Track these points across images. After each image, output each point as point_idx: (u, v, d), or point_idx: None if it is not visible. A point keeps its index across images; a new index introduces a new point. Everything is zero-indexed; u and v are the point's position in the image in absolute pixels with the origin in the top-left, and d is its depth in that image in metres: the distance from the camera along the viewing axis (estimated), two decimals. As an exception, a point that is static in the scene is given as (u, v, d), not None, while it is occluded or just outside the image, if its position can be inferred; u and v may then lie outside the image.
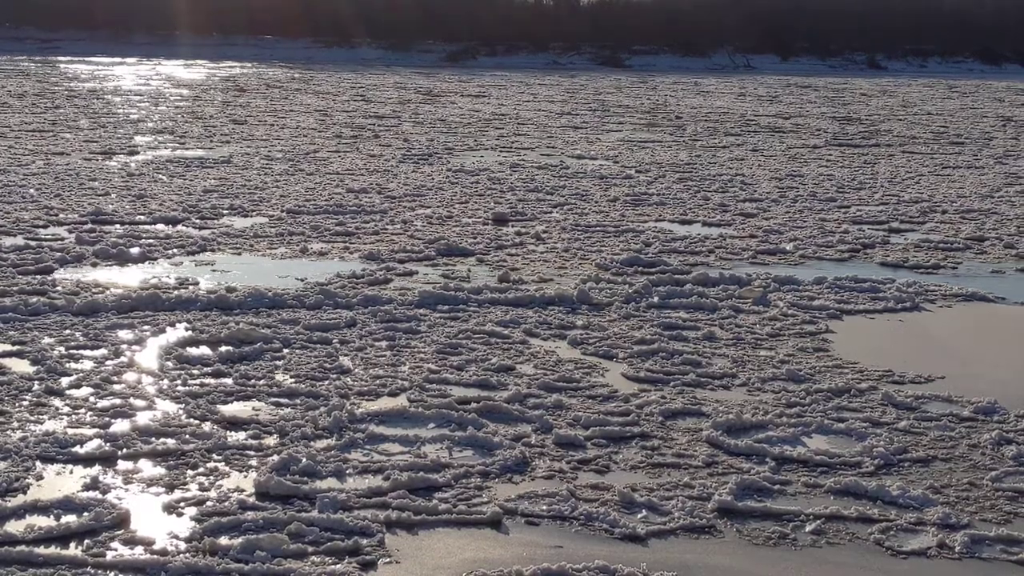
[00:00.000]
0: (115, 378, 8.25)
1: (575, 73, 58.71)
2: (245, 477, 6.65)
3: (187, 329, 9.58)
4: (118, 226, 14.01)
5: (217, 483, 6.56)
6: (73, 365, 8.51)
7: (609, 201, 17.05)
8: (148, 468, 6.73)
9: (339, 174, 18.89)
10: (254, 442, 7.16)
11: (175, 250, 12.77)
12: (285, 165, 19.78)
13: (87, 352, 8.86)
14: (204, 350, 9.08)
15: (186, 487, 6.49)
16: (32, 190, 16.23)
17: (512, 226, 14.90)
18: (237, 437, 7.24)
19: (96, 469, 6.66)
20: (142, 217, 14.59)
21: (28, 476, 6.50)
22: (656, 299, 11.13)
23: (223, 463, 6.83)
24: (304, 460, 6.79)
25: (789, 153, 23.97)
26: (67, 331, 9.38)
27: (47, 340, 9.11)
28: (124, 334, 9.37)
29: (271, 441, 7.19)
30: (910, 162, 22.93)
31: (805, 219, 15.98)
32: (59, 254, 12.17)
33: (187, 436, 7.16)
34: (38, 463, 6.70)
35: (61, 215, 14.52)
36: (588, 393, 8.36)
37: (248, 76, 45.75)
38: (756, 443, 7.40)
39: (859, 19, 75.66)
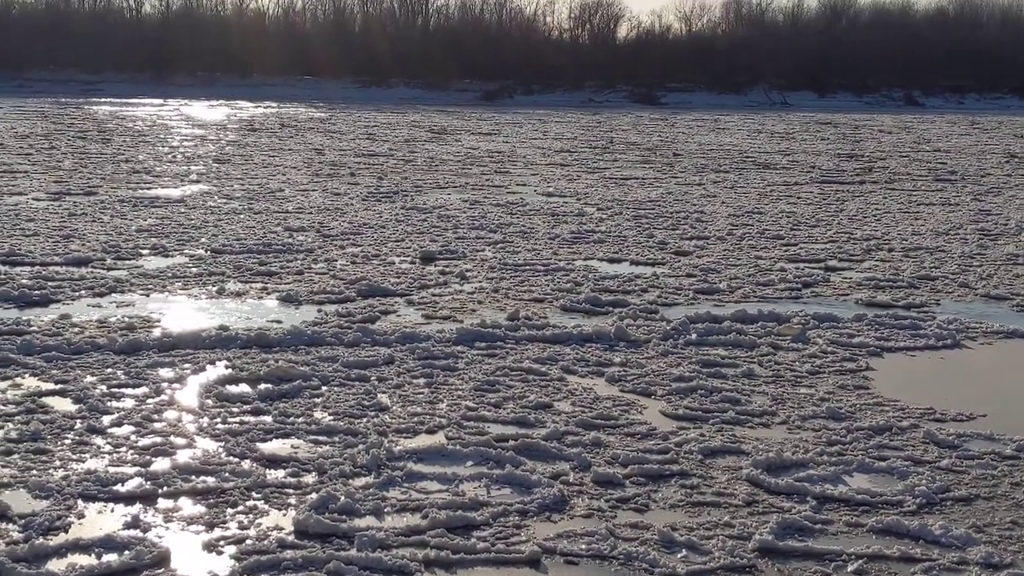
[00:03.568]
0: (156, 416, 8.30)
1: (605, 111, 58.88)
2: (284, 515, 6.66)
3: (227, 367, 9.63)
4: (28, 267, 13.80)
5: (256, 521, 6.57)
6: (115, 403, 8.57)
7: (549, 239, 17.04)
8: (188, 506, 6.75)
9: (288, 213, 18.97)
10: (293, 480, 7.17)
11: (83, 291, 12.51)
12: (238, 204, 19.89)
13: (128, 390, 8.91)
14: (243, 388, 9.13)
15: (226, 525, 6.50)
16: None
17: (437, 264, 14.84)
18: (276, 475, 7.25)
19: (137, 507, 6.69)
20: (56, 258, 14.37)
21: (70, 515, 6.54)
22: (694, 336, 11.11)
23: (262, 501, 6.85)
24: (343, 498, 6.79)
25: (765, 190, 24.17)
26: (109, 369, 9.45)
27: (89, 379, 9.17)
28: (165, 372, 9.43)
29: (310, 479, 7.21)
30: (886, 199, 23.06)
31: (739, 257, 15.87)
32: None
33: (227, 474, 7.19)
34: (80, 501, 6.74)
35: None
36: (627, 431, 8.34)
37: (269, 116, 46.20)
38: (797, 482, 7.36)
39: (897, 56, 75.40)
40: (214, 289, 12.84)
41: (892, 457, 7.86)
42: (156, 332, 10.61)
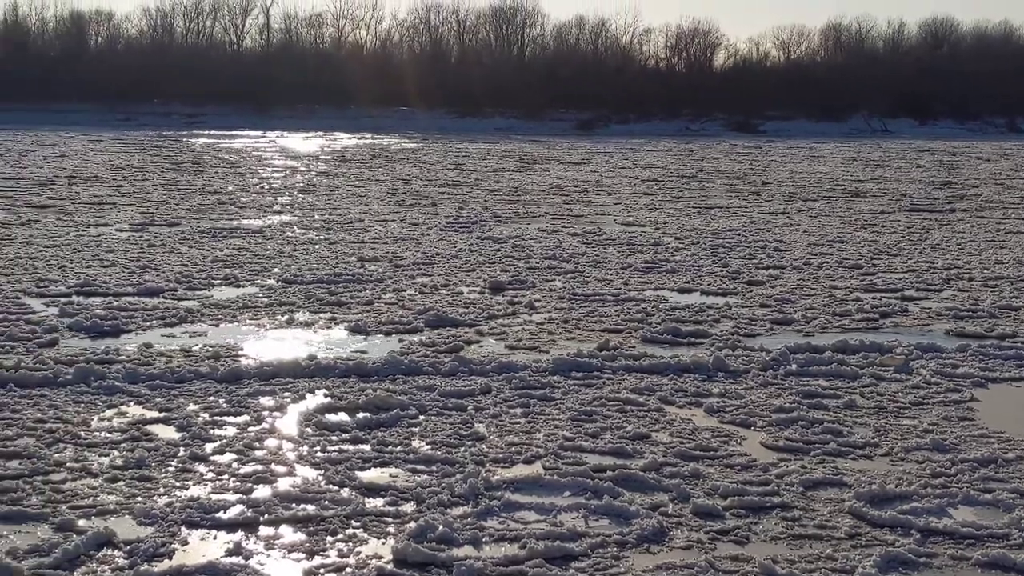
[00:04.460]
0: (257, 444, 8.39)
1: (700, 139, 58.78)
2: (383, 544, 6.69)
3: (326, 396, 9.72)
4: (102, 298, 13.93)
5: (356, 550, 6.61)
6: (217, 431, 8.68)
7: (622, 268, 16.93)
8: (289, 534, 6.81)
9: (363, 243, 19.03)
10: (391, 509, 7.20)
11: (154, 322, 12.59)
12: (315, 234, 20.02)
13: (230, 418, 9.02)
14: (342, 416, 9.20)
15: (326, 553, 6.55)
16: (40, 262, 16.39)
17: (505, 294, 14.77)
18: (375, 503, 7.29)
19: (239, 535, 6.76)
20: (130, 288, 14.50)
21: (174, 541, 6.63)
22: (794, 366, 10.99)
23: (361, 530, 6.88)
24: (441, 527, 6.81)
25: (850, 219, 23.91)
26: (211, 398, 9.58)
27: (192, 407, 9.30)
28: (266, 401, 9.53)
29: (408, 508, 7.23)
30: (973, 227, 22.66)
31: (814, 287, 15.63)
32: (32, 327, 12.13)
33: (326, 502, 7.24)
34: (183, 528, 6.83)
35: (51, 287, 14.51)
36: (726, 462, 8.27)
37: (362, 147, 46.74)
38: (900, 514, 7.23)
39: (1000, 81, 74.22)
40: (283, 319, 12.91)
41: (998, 489, 7.71)
42: (255, 361, 10.72)
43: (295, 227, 21.02)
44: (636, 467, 8.02)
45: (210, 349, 11.25)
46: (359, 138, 54.70)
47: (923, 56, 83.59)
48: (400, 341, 11.89)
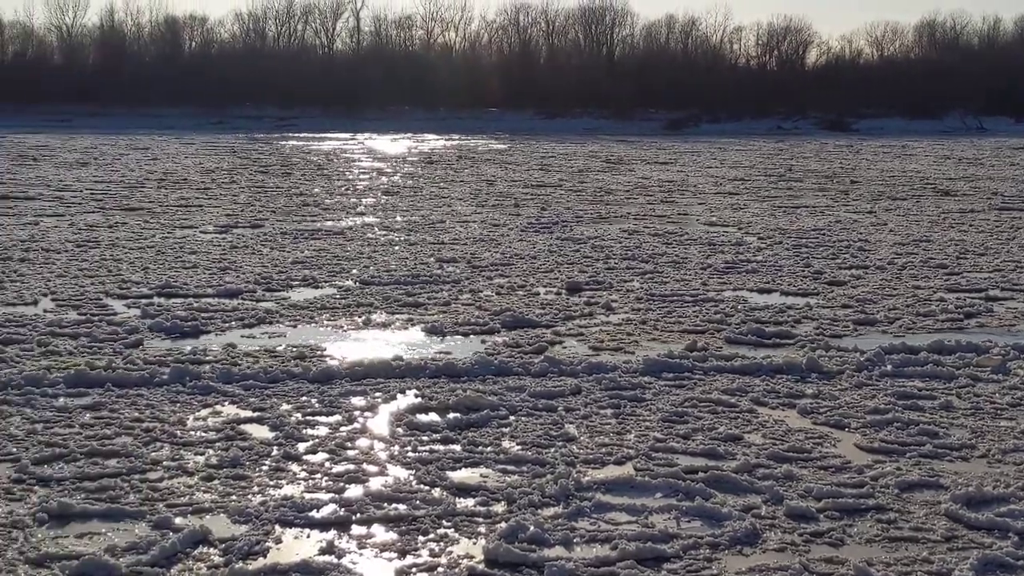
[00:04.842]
0: (349, 444, 8.45)
1: (791, 138, 58.30)
2: (474, 544, 6.71)
3: (416, 396, 9.76)
4: (182, 299, 14.05)
5: (447, 549, 6.63)
6: (309, 431, 8.76)
7: (701, 269, 16.77)
8: (381, 533, 6.85)
9: (442, 244, 19.03)
10: (482, 509, 7.22)
11: (233, 323, 12.69)
12: (396, 236, 20.07)
13: (322, 418, 9.10)
14: (433, 416, 9.24)
15: (417, 553, 6.58)
16: (124, 264, 16.59)
17: (582, 295, 14.68)
18: (466, 503, 7.31)
19: (332, 534, 6.82)
20: (210, 290, 14.61)
21: (268, 540, 6.69)
22: (889, 367, 10.85)
23: (452, 529, 6.91)
24: (532, 528, 6.81)
25: (938, 218, 23.52)
26: (304, 398, 9.67)
27: (285, 407, 9.40)
28: (357, 400, 9.60)
29: (499, 508, 7.24)
30: None
31: (896, 287, 15.36)
32: (114, 328, 12.25)
33: (418, 502, 7.27)
34: (277, 527, 6.90)
35: (133, 288, 14.67)
36: (820, 463, 8.18)
37: (449, 149, 46.93)
38: (998, 516, 7.10)
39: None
40: (360, 320, 12.94)
41: (1100, 493, 7.54)
42: (344, 362, 10.79)
43: (376, 228, 21.13)
44: (728, 469, 7.96)
45: (294, 349, 11.35)
46: (447, 139, 54.99)
47: (1020, 52, 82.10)
48: (483, 342, 11.92)
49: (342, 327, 12.62)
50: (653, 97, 75.09)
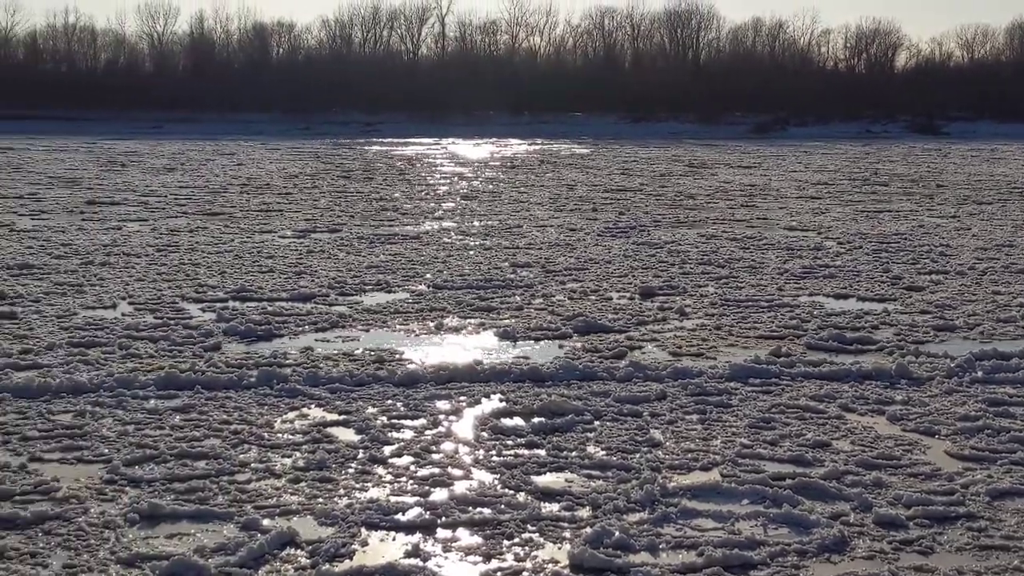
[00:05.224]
0: (434, 447, 8.48)
1: (879, 142, 57.66)
2: (559, 548, 6.69)
3: (501, 400, 9.77)
4: (256, 303, 14.16)
5: (532, 554, 6.62)
6: (395, 434, 8.80)
7: (778, 274, 16.57)
8: (466, 537, 6.86)
9: (518, 248, 18.99)
10: (567, 514, 7.20)
11: (306, 327, 12.75)
12: (472, 240, 20.06)
13: (408, 422, 9.14)
14: (518, 421, 9.24)
15: (502, 557, 6.58)
16: (202, 268, 16.72)
17: (655, 300, 14.54)
18: (551, 508, 7.30)
19: (417, 537, 6.84)
20: (284, 294, 14.69)
21: (354, 542, 6.73)
22: (980, 374, 10.68)
23: (537, 534, 6.90)
24: (617, 533, 6.78)
25: (1022, 223, 23.06)
26: (389, 401, 9.71)
27: (371, 410, 9.45)
28: (442, 404, 9.63)
29: (584, 513, 7.22)
30: None
31: (976, 293, 15.06)
32: (189, 331, 12.37)
33: (503, 506, 7.27)
34: (363, 530, 6.93)
35: (209, 292, 14.77)
36: (909, 471, 8.07)
37: (532, 153, 46.96)
38: (1094, 528, 6.97)
39: None
40: (432, 324, 12.95)
41: None
42: (429, 366, 10.83)
43: (452, 233, 21.19)
44: (816, 475, 7.88)
45: (372, 353, 11.41)
46: (530, 144, 55.07)
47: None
48: (560, 347, 11.90)
49: (414, 331, 12.66)
50: (739, 101, 74.63)
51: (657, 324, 13.10)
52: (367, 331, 12.65)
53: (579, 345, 11.90)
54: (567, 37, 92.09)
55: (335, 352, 11.50)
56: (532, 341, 12.16)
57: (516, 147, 52.16)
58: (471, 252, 18.62)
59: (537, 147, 52.06)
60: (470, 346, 11.92)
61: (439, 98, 75.10)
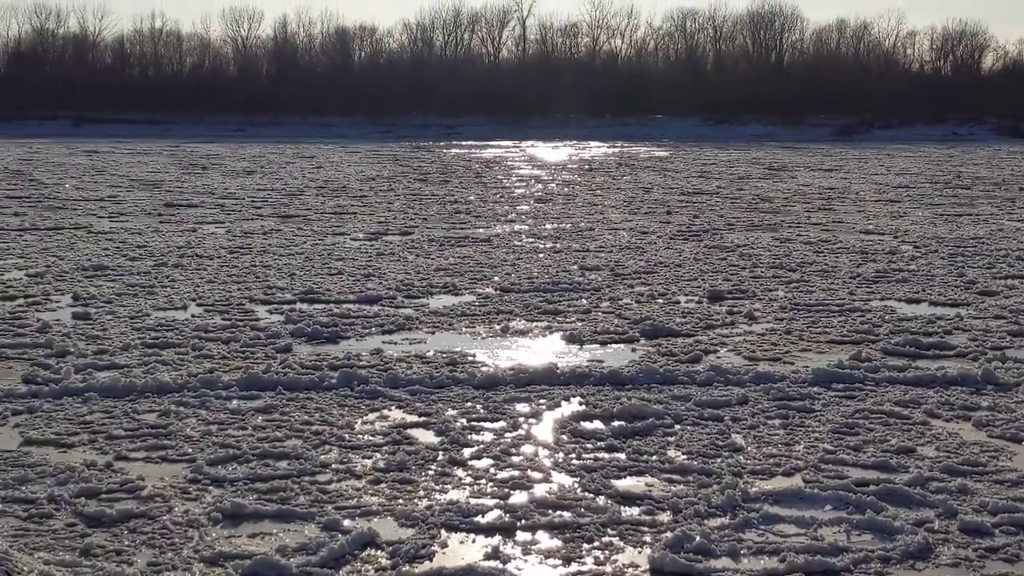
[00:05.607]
0: (513, 450, 8.48)
1: (965, 144, 56.87)
2: (639, 553, 6.66)
3: (581, 403, 9.75)
4: (323, 305, 14.22)
5: (612, 558, 6.60)
6: (474, 436, 8.81)
7: (850, 278, 16.35)
8: (545, 540, 6.85)
9: (588, 251, 18.89)
10: (648, 518, 7.17)
11: (373, 329, 12.78)
12: (542, 243, 19.98)
13: (487, 424, 9.15)
14: (597, 424, 9.22)
15: (582, 560, 6.56)
16: (272, 270, 16.82)
17: (724, 304, 14.39)
18: (631, 512, 7.27)
19: (497, 539, 6.85)
20: (351, 296, 14.71)
21: (433, 544, 6.75)
22: (1070, 380, 10.48)
23: (617, 538, 6.87)
24: (698, 538, 6.74)
25: None
26: (469, 403, 9.73)
27: (450, 412, 9.48)
28: (521, 407, 9.63)
29: (664, 517, 7.19)
30: None
31: None
32: (256, 333, 12.44)
33: (582, 509, 7.26)
34: (443, 531, 6.95)
35: (278, 294, 14.86)
36: (995, 478, 7.94)
37: (610, 156, 46.86)
38: None
39: None
40: (498, 327, 12.94)
41: None
42: (506, 368, 10.83)
43: (523, 236, 21.18)
44: (900, 481, 7.77)
45: (445, 356, 11.42)
46: (610, 147, 54.97)
47: None
48: (633, 350, 11.85)
49: (480, 334, 12.66)
50: (823, 103, 73.99)
51: (725, 328, 13.02)
52: (433, 334, 12.69)
53: (653, 349, 11.85)
54: (648, 39, 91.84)
55: (406, 354, 11.54)
56: (599, 345, 12.12)
57: (595, 150, 52.11)
58: (540, 255, 18.61)
59: (616, 150, 51.96)
60: (544, 349, 11.93)
61: (519, 101, 75.20)
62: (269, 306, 14.17)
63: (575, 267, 17.23)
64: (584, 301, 14.49)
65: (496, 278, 16.20)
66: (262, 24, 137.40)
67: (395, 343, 12.17)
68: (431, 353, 11.57)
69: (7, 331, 12.49)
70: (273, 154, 46.51)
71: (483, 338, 12.45)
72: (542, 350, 11.85)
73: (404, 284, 15.64)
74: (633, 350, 11.85)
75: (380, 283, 15.75)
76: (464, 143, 59.57)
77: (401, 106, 75.86)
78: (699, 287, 15.59)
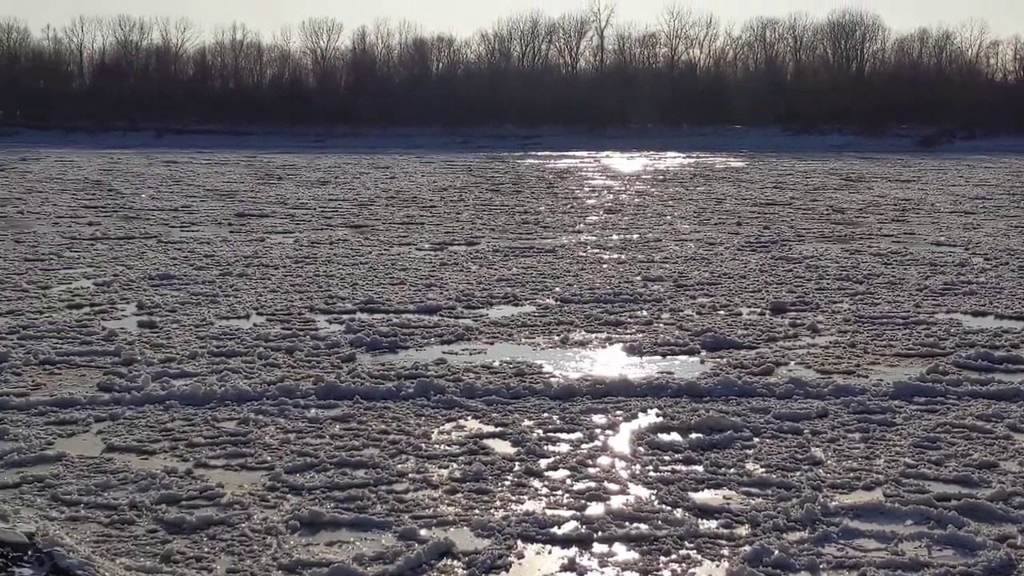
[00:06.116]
0: (590, 461, 8.45)
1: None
2: (717, 566, 6.62)
3: (658, 415, 9.70)
4: (383, 315, 14.21)
5: (689, 571, 6.56)
6: (551, 447, 8.80)
7: (917, 290, 16.08)
8: (622, 552, 6.82)
9: (652, 262, 18.75)
10: (725, 531, 7.12)
11: (432, 339, 12.76)
12: (607, 254, 19.85)
13: (564, 435, 9.13)
14: (675, 436, 9.17)
15: (659, 573, 6.53)
16: (335, 280, 16.84)
17: (787, 316, 14.19)
18: (708, 525, 7.22)
19: (573, 551, 6.82)
20: (411, 306, 14.70)
21: (510, 555, 6.74)
22: None
23: (695, 551, 6.83)
24: (776, 552, 6.68)
25: None
26: (545, 414, 9.72)
27: (527, 423, 9.47)
28: (598, 418, 9.60)
29: (743, 531, 7.13)
30: None
31: None
32: (315, 342, 12.46)
33: (659, 522, 7.22)
34: (519, 542, 6.94)
35: (338, 304, 14.87)
36: (1082, 495, 7.79)
37: (686, 166, 46.60)
38: None
39: None
40: (558, 338, 12.90)
41: None
42: (586, 379, 10.80)
43: (589, 246, 21.10)
44: (983, 496, 7.66)
45: (512, 366, 11.40)
46: (686, 157, 54.75)
47: None
48: (702, 362, 11.77)
49: (540, 345, 12.64)
50: (904, 113, 73.19)
51: (788, 341, 12.89)
52: (492, 344, 12.68)
53: (723, 361, 11.76)
54: (727, 49, 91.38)
55: (469, 364, 11.54)
56: (660, 356, 12.04)
57: (671, 160, 51.93)
58: (604, 266, 18.55)
59: (692, 160, 51.73)
60: (609, 360, 11.89)
61: (596, 111, 75.15)
62: (329, 316, 14.23)
63: (638, 278, 17.16)
64: (645, 312, 14.43)
65: (557, 289, 16.17)
66: (341, 35, 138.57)
67: (455, 353, 12.18)
68: (497, 364, 11.57)
69: (74, 339, 12.67)
70: (348, 164, 46.82)
71: (543, 349, 12.43)
72: (607, 361, 11.82)
73: (465, 294, 15.65)
74: (702, 362, 11.79)
75: (441, 293, 15.79)
76: (540, 153, 59.61)
77: (478, 116, 76.07)
78: (762, 299, 15.46)
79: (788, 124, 73.94)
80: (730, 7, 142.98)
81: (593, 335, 13.09)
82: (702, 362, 11.78)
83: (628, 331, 13.31)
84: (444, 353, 12.14)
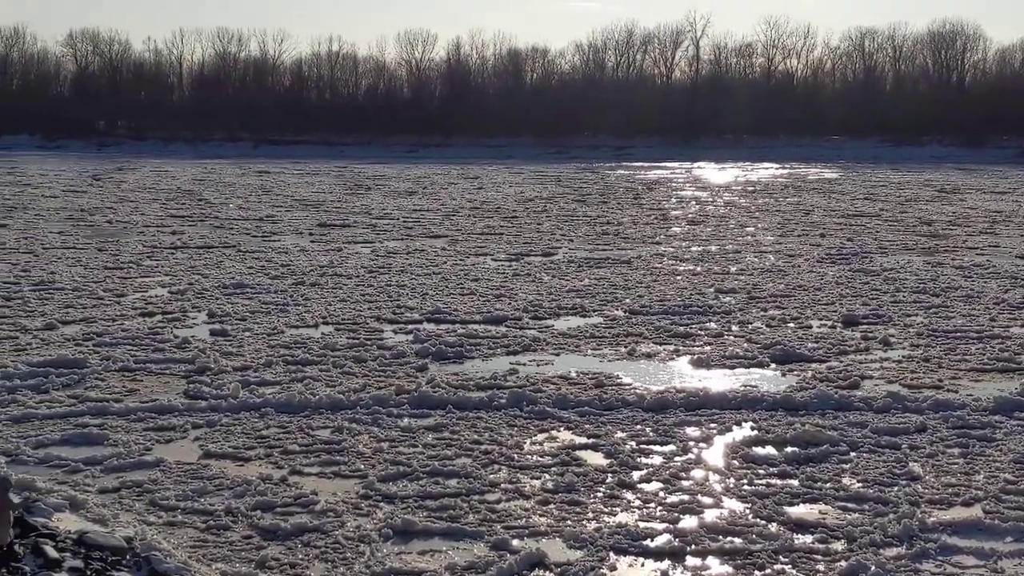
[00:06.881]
0: (683, 474, 8.40)
1: None
2: (812, 582, 6.54)
3: (753, 428, 9.62)
4: (449, 325, 14.15)
5: (784, 586, 6.49)
6: (644, 459, 8.76)
7: (994, 303, 15.71)
8: (716, 566, 6.76)
9: (727, 274, 18.52)
10: (821, 546, 7.03)
11: (498, 350, 12.68)
12: (683, 265, 19.63)
13: (657, 447, 9.08)
14: (770, 450, 9.08)
15: (753, 588, 6.46)
16: (406, 290, 16.78)
17: (858, 329, 13.90)
18: (804, 540, 7.14)
19: (666, 563, 6.78)
20: (478, 316, 14.62)
21: (602, 566, 6.72)
22: None
23: (790, 566, 6.75)
24: (873, 568, 6.59)
25: None
26: (638, 426, 9.68)
27: (620, 434, 9.43)
28: (692, 431, 9.54)
29: (839, 546, 7.04)
30: None
31: None
32: (380, 352, 12.46)
33: (754, 536, 7.15)
34: (611, 554, 6.92)
35: (406, 314, 14.83)
36: None
37: (778, 177, 46.10)
38: None
39: None
40: (624, 350, 12.79)
41: None
42: (681, 391, 10.74)
43: (666, 258, 20.89)
44: (1087, 516, 7.48)
45: (590, 379, 11.32)
46: (780, 167, 54.23)
47: None
48: (783, 375, 11.63)
49: (606, 356, 12.55)
50: (1006, 124, 71.90)
51: (859, 354, 12.68)
52: (558, 355, 12.60)
53: (809, 374, 11.60)
54: (825, 59, 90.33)
55: (547, 375, 11.49)
56: (728, 369, 11.92)
57: (764, 171, 51.45)
58: (678, 277, 18.39)
59: (786, 171, 51.22)
60: (681, 372, 11.81)
61: (691, 122, 74.81)
62: (395, 325, 14.24)
63: (711, 290, 16.99)
64: (714, 324, 14.28)
65: (628, 300, 16.05)
66: (436, 46, 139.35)
67: (523, 364, 12.12)
68: (574, 374, 11.53)
69: (147, 346, 12.83)
70: (438, 175, 46.98)
71: (610, 360, 12.36)
72: (684, 373, 11.75)
73: (533, 305, 15.60)
74: (783, 375, 11.65)
75: (509, 304, 15.74)
76: (633, 164, 59.39)
77: (572, 127, 76.00)
78: (835, 311, 15.23)
79: (886, 135, 73.02)
80: (828, 17, 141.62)
81: (661, 347, 13.02)
82: (783, 375, 11.65)
83: (696, 343, 13.22)
84: (511, 364, 12.09)
